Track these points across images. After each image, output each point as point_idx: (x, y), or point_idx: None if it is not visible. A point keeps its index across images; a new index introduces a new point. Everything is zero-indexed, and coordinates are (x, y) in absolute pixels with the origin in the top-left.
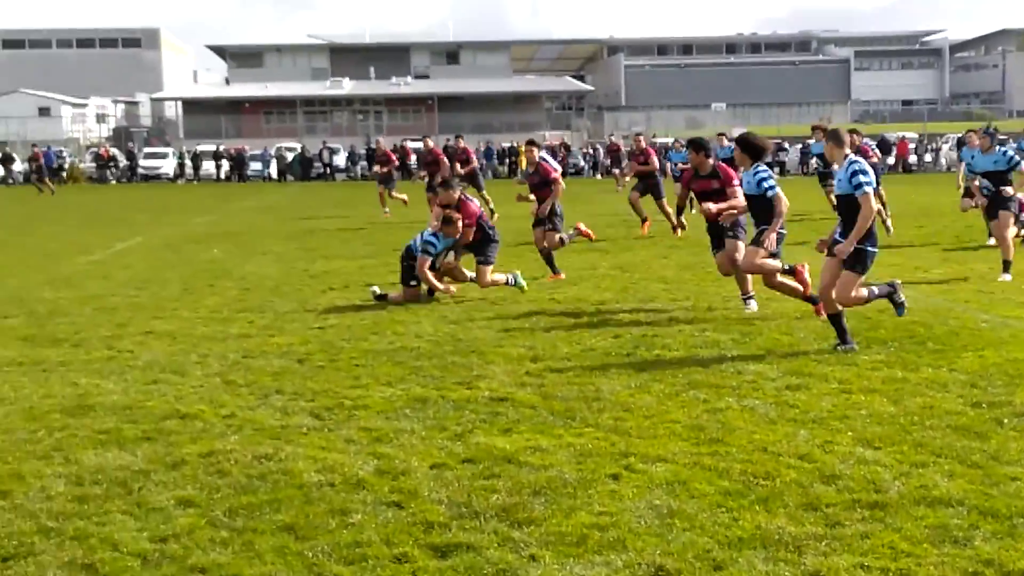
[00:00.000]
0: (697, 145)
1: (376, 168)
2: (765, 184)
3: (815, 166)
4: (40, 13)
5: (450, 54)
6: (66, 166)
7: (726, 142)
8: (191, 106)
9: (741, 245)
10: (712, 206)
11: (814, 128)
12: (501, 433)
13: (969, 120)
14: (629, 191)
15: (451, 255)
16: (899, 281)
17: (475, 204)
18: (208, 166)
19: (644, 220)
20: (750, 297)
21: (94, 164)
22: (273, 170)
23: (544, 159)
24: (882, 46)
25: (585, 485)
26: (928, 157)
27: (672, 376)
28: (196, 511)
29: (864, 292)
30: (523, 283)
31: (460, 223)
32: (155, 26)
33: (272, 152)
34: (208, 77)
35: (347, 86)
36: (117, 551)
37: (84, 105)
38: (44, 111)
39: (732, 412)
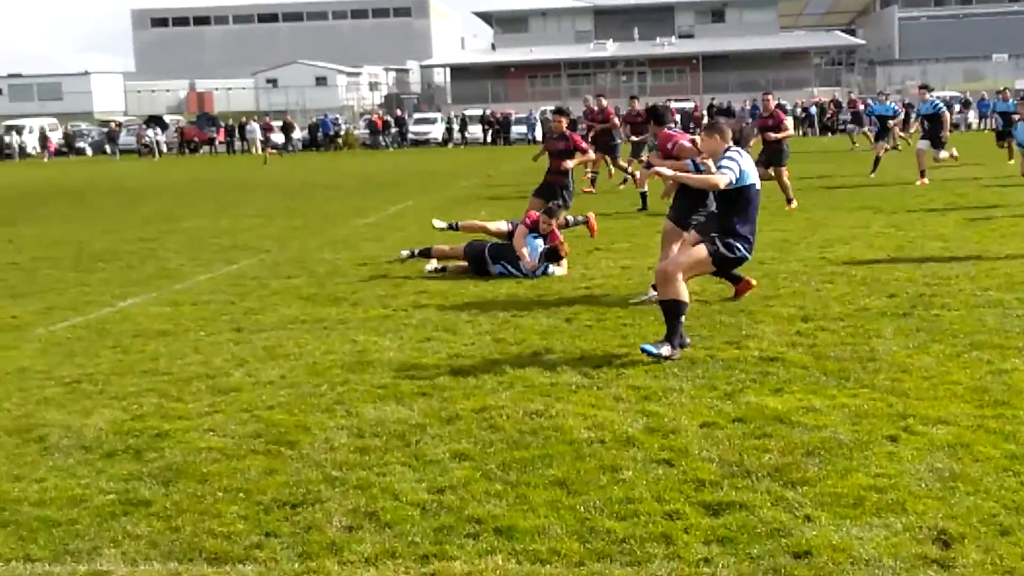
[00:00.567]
0: None
1: (633, 137)
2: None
3: None
4: None
5: (715, 12)
6: (342, 133)
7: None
8: (459, 72)
9: None
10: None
11: None
12: (772, 393)
13: None
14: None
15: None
16: None
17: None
18: (475, 130)
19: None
20: None
21: (367, 131)
22: (538, 133)
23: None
24: None
25: (861, 446)
26: None
27: (952, 336)
28: (471, 464)
29: None
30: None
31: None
32: None
33: (536, 115)
34: (474, 43)
35: (611, 48)
36: (397, 500)
37: (358, 74)
38: (321, 80)
39: (1019, 374)
